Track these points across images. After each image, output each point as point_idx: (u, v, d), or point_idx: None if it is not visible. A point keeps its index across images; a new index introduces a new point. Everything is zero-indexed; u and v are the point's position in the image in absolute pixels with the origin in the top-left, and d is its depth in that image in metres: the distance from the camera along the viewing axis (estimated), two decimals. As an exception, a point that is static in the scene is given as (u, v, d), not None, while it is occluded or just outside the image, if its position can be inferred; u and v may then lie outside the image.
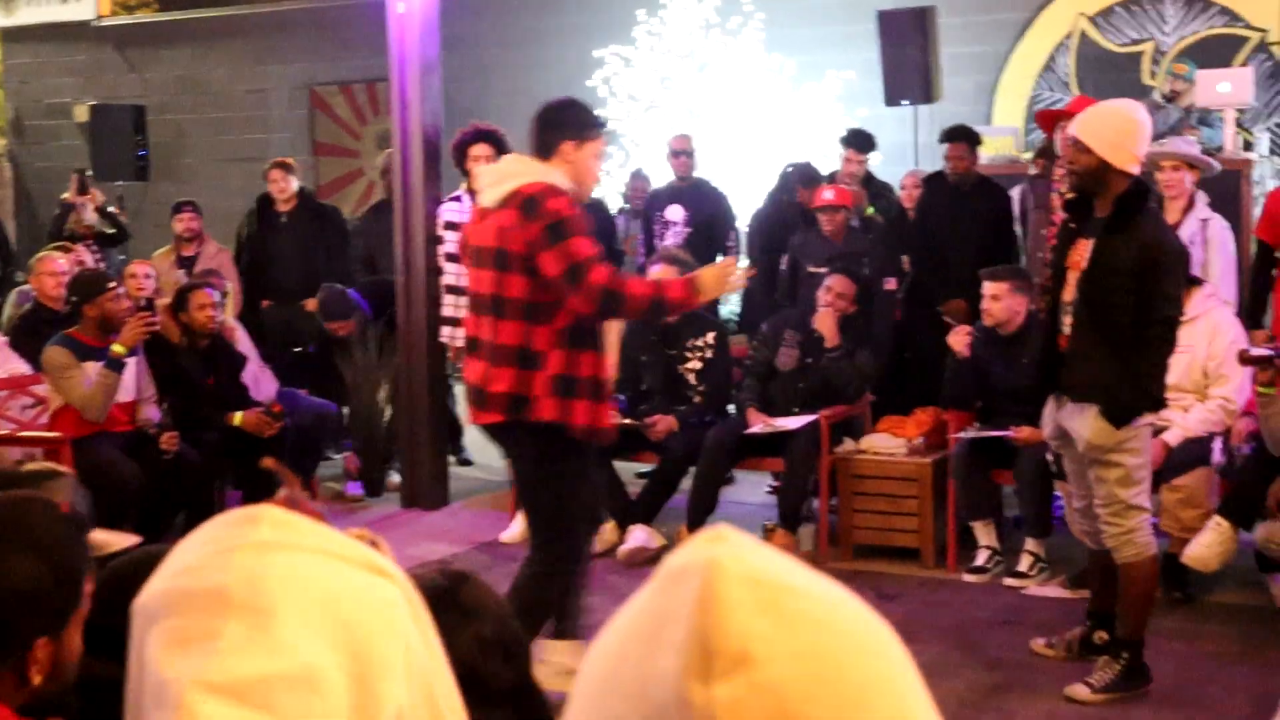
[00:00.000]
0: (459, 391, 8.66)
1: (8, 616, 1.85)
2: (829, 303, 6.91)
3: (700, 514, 6.60)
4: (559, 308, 4.41)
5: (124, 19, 15.12)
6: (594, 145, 4.58)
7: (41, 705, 1.93)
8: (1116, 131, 4.72)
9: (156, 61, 14.50)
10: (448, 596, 2.05)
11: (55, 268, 7.50)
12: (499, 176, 4.57)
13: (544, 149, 4.52)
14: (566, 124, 4.54)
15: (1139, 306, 4.66)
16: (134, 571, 1.76)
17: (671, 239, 8.54)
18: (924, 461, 6.52)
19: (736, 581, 0.80)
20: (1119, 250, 4.68)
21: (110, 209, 9.87)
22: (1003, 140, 9.88)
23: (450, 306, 7.56)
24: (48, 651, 1.89)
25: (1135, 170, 4.73)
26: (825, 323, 6.91)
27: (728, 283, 4.61)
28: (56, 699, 1.94)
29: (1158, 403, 4.82)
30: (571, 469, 4.59)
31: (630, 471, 7.12)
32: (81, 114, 13.57)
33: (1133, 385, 4.70)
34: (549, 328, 4.42)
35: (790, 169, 8.63)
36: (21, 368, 6.98)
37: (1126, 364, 4.69)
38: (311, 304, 8.09)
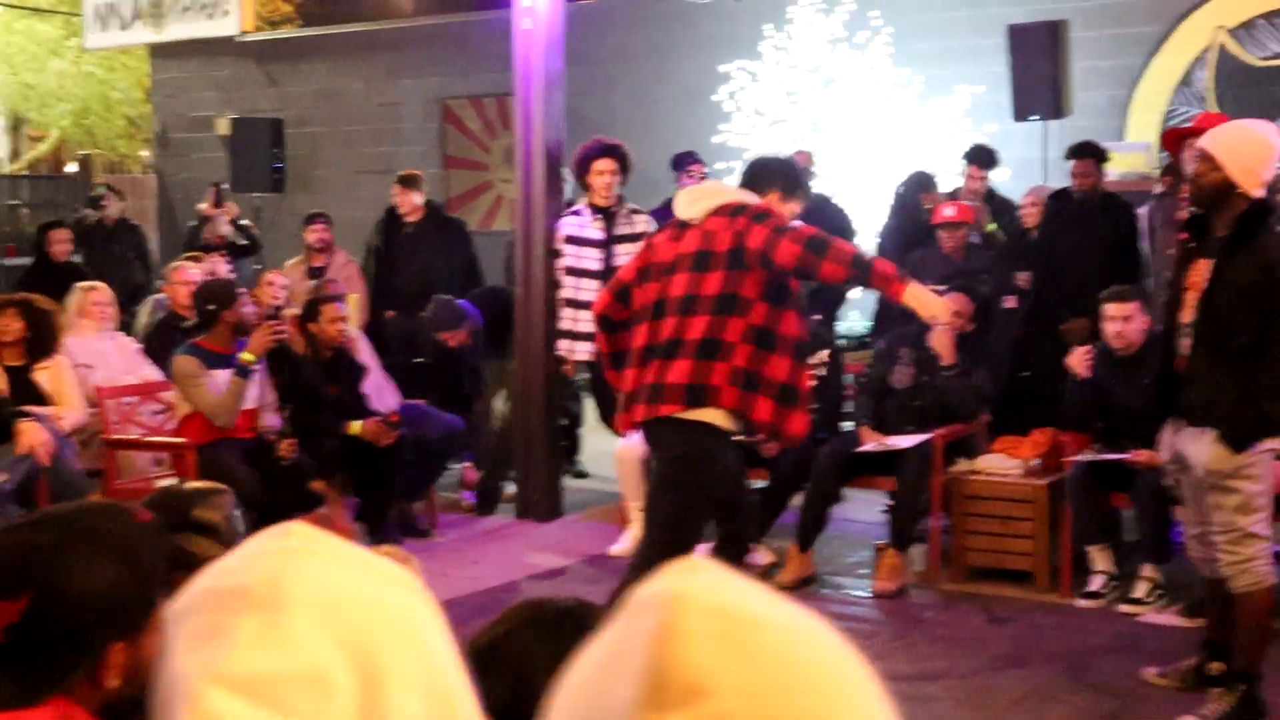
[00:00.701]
0: (581, 405, 8.77)
1: (83, 621, 1.91)
2: (947, 321, 6.83)
3: (810, 532, 6.57)
4: (752, 304, 4.58)
5: (266, 34, 15.54)
6: (794, 205, 4.88)
7: (117, 709, 1.99)
8: (1250, 154, 4.60)
9: (295, 76, 14.86)
10: (572, 618, 2.03)
11: (188, 277, 7.73)
12: (703, 194, 4.88)
13: (759, 187, 4.86)
14: (777, 175, 4.91)
15: (1260, 327, 4.53)
16: None
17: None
18: (1039, 483, 6.41)
19: (697, 613, 0.80)
20: (1240, 269, 4.57)
21: (244, 222, 10.13)
22: (1135, 157, 9.69)
23: (569, 320, 7.63)
24: (123, 656, 1.95)
25: (1260, 194, 4.61)
26: (942, 341, 6.83)
27: (935, 308, 4.68)
28: (132, 703, 2.00)
29: (1278, 426, 4.66)
30: (707, 481, 4.71)
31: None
32: (223, 127, 13.96)
33: (1253, 409, 4.57)
34: (741, 320, 4.58)
35: (902, 188, 8.55)
36: (153, 374, 7.20)
37: (1246, 387, 4.56)
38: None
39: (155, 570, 2.02)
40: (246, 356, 6.50)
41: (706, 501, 4.80)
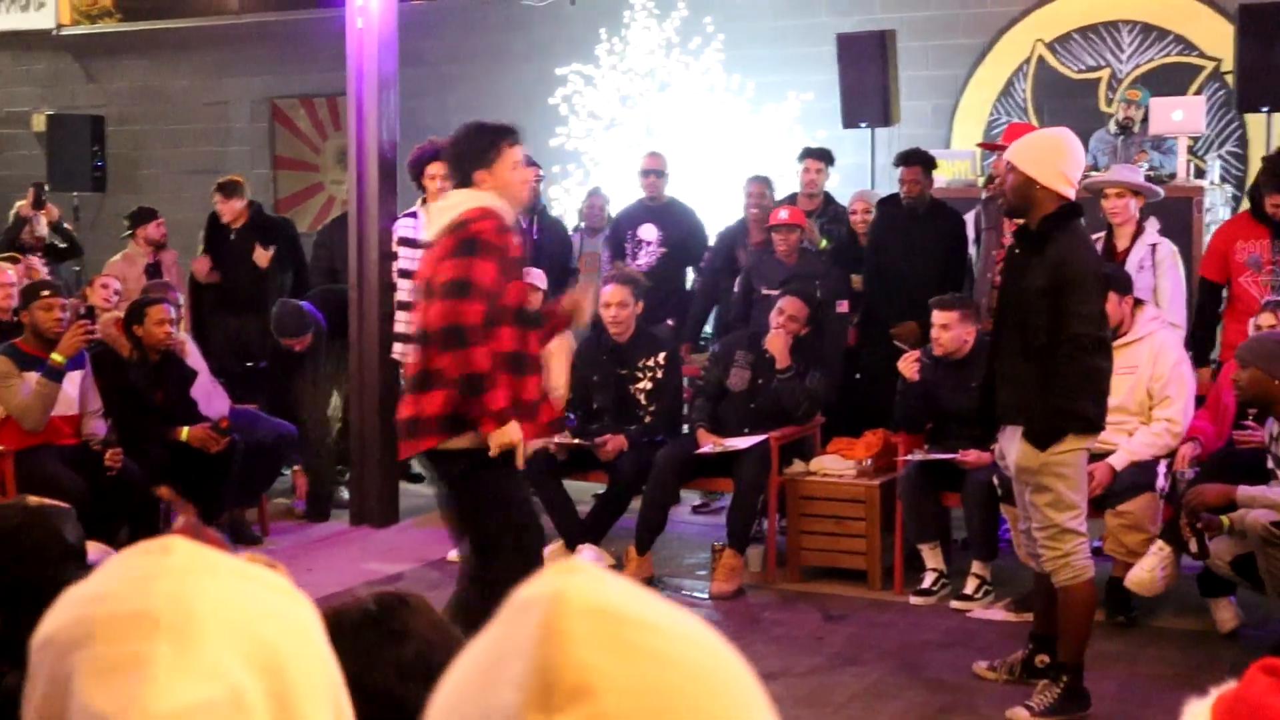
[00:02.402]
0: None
1: None
2: (780, 324, 6.93)
3: (649, 533, 6.60)
4: (499, 326, 4.41)
5: (85, 28, 15.03)
6: (503, 161, 4.50)
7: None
8: (1042, 150, 4.81)
9: (116, 72, 14.43)
10: (373, 620, 2.04)
11: (4, 279, 7.44)
12: (444, 210, 4.56)
13: (464, 184, 4.53)
14: (467, 155, 4.52)
15: (1053, 328, 4.68)
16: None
17: (645, 259, 8.54)
18: (872, 483, 6.54)
19: (579, 614, 0.79)
20: (1033, 269, 4.73)
21: (64, 225, 9.81)
22: (960, 164, 9.93)
23: (403, 323, 7.54)
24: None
25: (1065, 191, 4.76)
26: (777, 344, 6.92)
27: (504, 441, 4.42)
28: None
29: (1087, 424, 4.78)
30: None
31: (581, 491, 7.10)
32: (39, 123, 13.50)
33: (1053, 406, 4.70)
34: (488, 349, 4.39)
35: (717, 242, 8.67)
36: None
37: (1046, 385, 4.71)
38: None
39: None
40: (55, 358, 6.30)
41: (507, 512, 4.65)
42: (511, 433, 4.41)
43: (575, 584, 0.81)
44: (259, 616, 1.06)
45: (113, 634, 1.01)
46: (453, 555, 6.92)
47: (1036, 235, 4.75)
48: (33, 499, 2.82)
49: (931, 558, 6.32)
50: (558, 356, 6.98)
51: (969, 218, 7.82)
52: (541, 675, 0.77)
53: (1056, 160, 4.76)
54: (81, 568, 2.61)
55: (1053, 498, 4.78)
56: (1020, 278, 4.77)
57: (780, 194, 8.82)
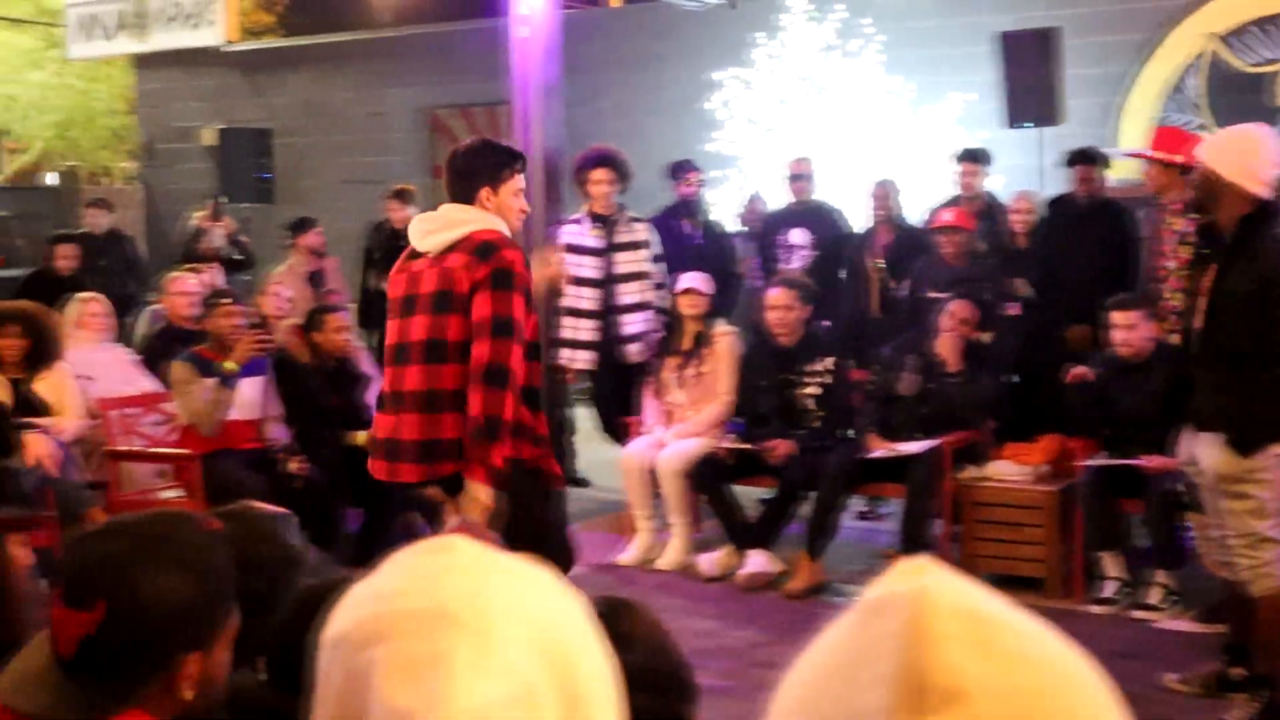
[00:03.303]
0: (577, 415, 8.73)
1: (160, 631, 1.87)
2: (950, 328, 6.83)
3: (820, 539, 6.55)
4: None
5: (250, 44, 15.46)
6: (508, 186, 4.40)
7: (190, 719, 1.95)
8: (1233, 147, 4.65)
9: (281, 86, 14.80)
10: (602, 622, 2.03)
11: (186, 288, 7.68)
12: (442, 224, 4.40)
13: (463, 198, 4.38)
14: (478, 171, 4.39)
15: (1259, 335, 4.53)
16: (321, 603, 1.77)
17: (796, 262, 8.51)
18: (1049, 489, 6.40)
19: (946, 614, 0.78)
20: (1238, 277, 4.57)
21: (240, 237, 10.08)
22: (1128, 164, 9.70)
23: (568, 328, 7.60)
24: (197, 667, 1.91)
25: (1259, 191, 4.60)
26: (947, 347, 6.83)
27: (476, 507, 4.20)
28: (204, 714, 1.96)
29: None
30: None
31: (749, 496, 7.07)
32: (209, 137, 13.89)
33: (1257, 413, 4.57)
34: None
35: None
36: (151, 385, 7.14)
37: (1250, 391, 4.56)
38: None
39: (226, 580, 1.98)
40: (228, 365, 6.47)
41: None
42: (490, 499, 4.21)
43: (937, 584, 0.80)
44: (546, 614, 1.06)
45: (410, 630, 1.02)
46: (622, 559, 6.98)
47: (1236, 237, 4.59)
48: (254, 505, 2.88)
49: (1112, 565, 6.17)
50: (725, 359, 6.99)
51: (1142, 216, 7.62)
52: (911, 677, 0.76)
53: (1248, 157, 4.61)
54: (302, 572, 2.67)
55: (1254, 505, 4.63)
56: (1220, 281, 4.62)
57: (940, 197, 8.71)
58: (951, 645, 0.76)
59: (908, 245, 8.06)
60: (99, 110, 19.66)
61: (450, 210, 4.42)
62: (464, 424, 4.21)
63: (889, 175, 8.62)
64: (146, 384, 7.19)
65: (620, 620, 2.09)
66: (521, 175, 4.47)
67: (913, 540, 6.48)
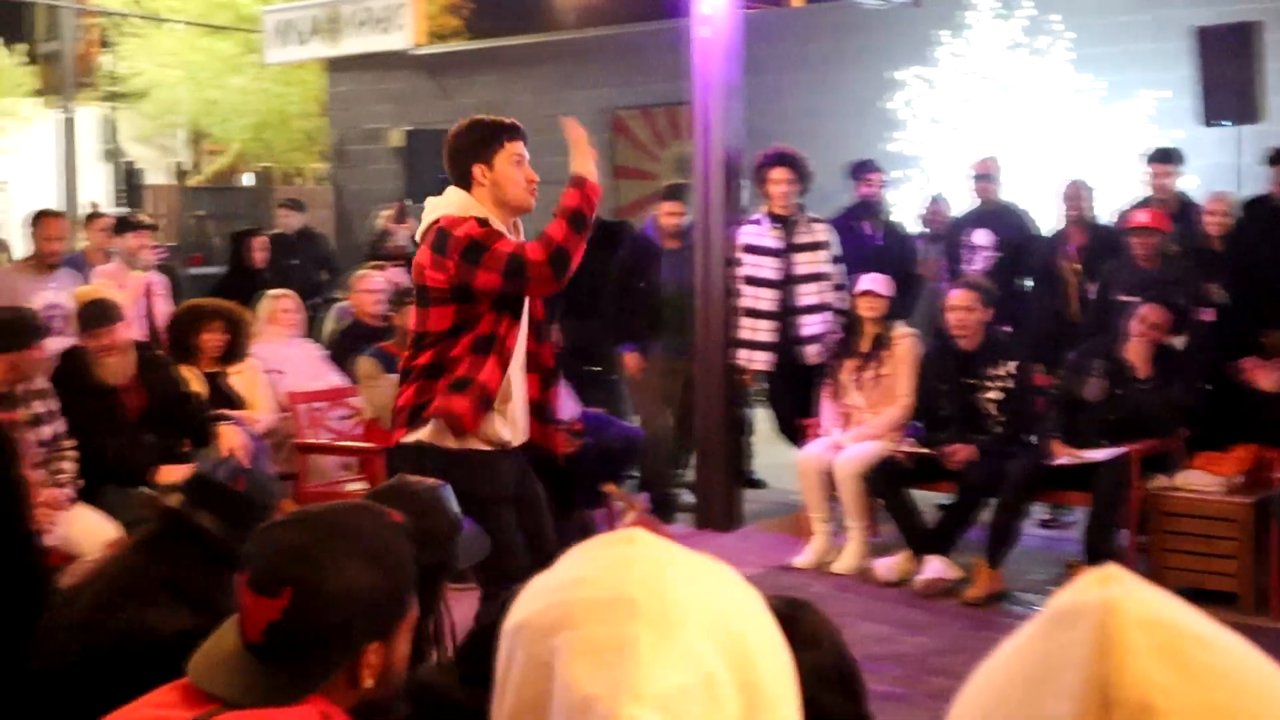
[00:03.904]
0: (756, 416, 8.71)
1: (343, 619, 1.92)
2: (1141, 332, 6.63)
3: (1000, 546, 6.41)
4: (477, 323, 4.21)
5: (437, 48, 15.79)
6: (503, 156, 4.24)
7: (369, 708, 1.99)
8: None
9: (466, 88, 15.06)
10: (786, 623, 2.02)
11: (373, 285, 7.87)
12: (428, 211, 4.35)
13: (461, 181, 4.28)
14: (465, 149, 4.26)
15: None
16: None
17: (979, 264, 8.36)
18: (1244, 501, 6.17)
19: (1135, 626, 0.75)
20: None
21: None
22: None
23: (747, 329, 7.59)
24: (378, 657, 1.96)
25: None
26: (1136, 352, 6.63)
27: (586, 146, 4.19)
28: (384, 704, 2.00)
29: None
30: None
31: (928, 501, 6.97)
32: (396, 139, 14.21)
33: None
34: (469, 336, 4.22)
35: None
36: (338, 380, 7.34)
37: None
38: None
39: (407, 571, 2.02)
40: None
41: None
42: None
43: (1124, 593, 0.77)
44: (727, 607, 1.06)
45: (594, 617, 1.03)
46: (798, 561, 6.93)
47: None
48: (412, 479, 2.98)
49: (1311, 582, 5.92)
50: (905, 362, 6.90)
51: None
52: (1100, 689, 0.73)
53: None
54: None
55: None
56: None
57: (1130, 198, 8.46)
58: (1141, 657, 0.74)
59: (1100, 247, 7.85)
60: (293, 113, 20.29)
61: (430, 200, 4.38)
62: (427, 390, 4.22)
63: (1079, 175, 8.40)
64: (334, 379, 7.39)
65: (804, 619, 2.08)
66: (518, 143, 4.30)
67: (1097, 550, 6.31)
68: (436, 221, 4.22)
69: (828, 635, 1.98)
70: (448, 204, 4.26)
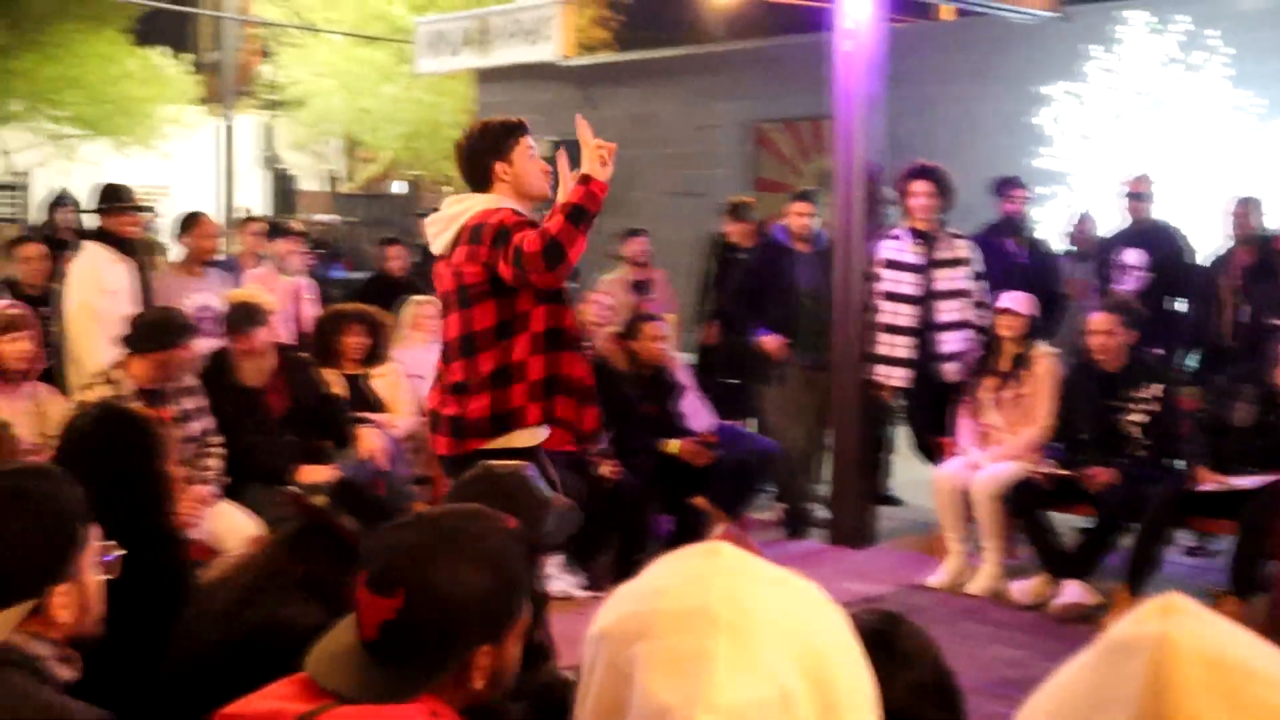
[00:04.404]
0: (894, 432, 8.63)
1: (455, 621, 1.96)
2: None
3: (1141, 573, 6.26)
4: (528, 319, 4.32)
5: (586, 59, 15.95)
6: (519, 151, 4.42)
7: (480, 709, 2.03)
8: None
9: (612, 99, 15.19)
10: (883, 639, 2.03)
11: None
12: (444, 222, 4.44)
13: (481, 182, 4.43)
14: (485, 149, 4.42)
15: None
16: None
17: (1131, 283, 8.18)
18: (1399, 534, 5.94)
19: (1191, 662, 0.74)
20: None
21: None
22: None
23: (885, 345, 7.52)
24: (489, 659, 1.99)
25: None
26: (1288, 378, 6.43)
27: (600, 156, 4.24)
28: (494, 705, 2.04)
29: None
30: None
31: (1068, 524, 6.84)
32: (543, 149, 14.34)
33: None
34: (525, 336, 4.33)
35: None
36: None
37: None
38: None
39: (520, 576, 2.06)
40: None
41: None
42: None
43: (1185, 628, 0.76)
44: (807, 623, 1.07)
45: (674, 628, 1.04)
46: (932, 580, 6.85)
47: None
48: (496, 464, 3.09)
49: None
50: (1045, 382, 6.77)
51: None
52: (1150, 725, 0.73)
53: None
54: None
55: None
56: None
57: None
58: (1194, 694, 0.73)
59: (1260, 268, 7.64)
60: (443, 122, 20.64)
61: (448, 204, 4.50)
62: (488, 403, 4.34)
63: (1231, 193, 8.18)
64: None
65: (901, 634, 2.07)
66: (528, 137, 4.46)
67: (1243, 581, 6.13)
68: (467, 220, 4.35)
69: (926, 650, 1.97)
70: (468, 207, 4.40)
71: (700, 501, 6.87)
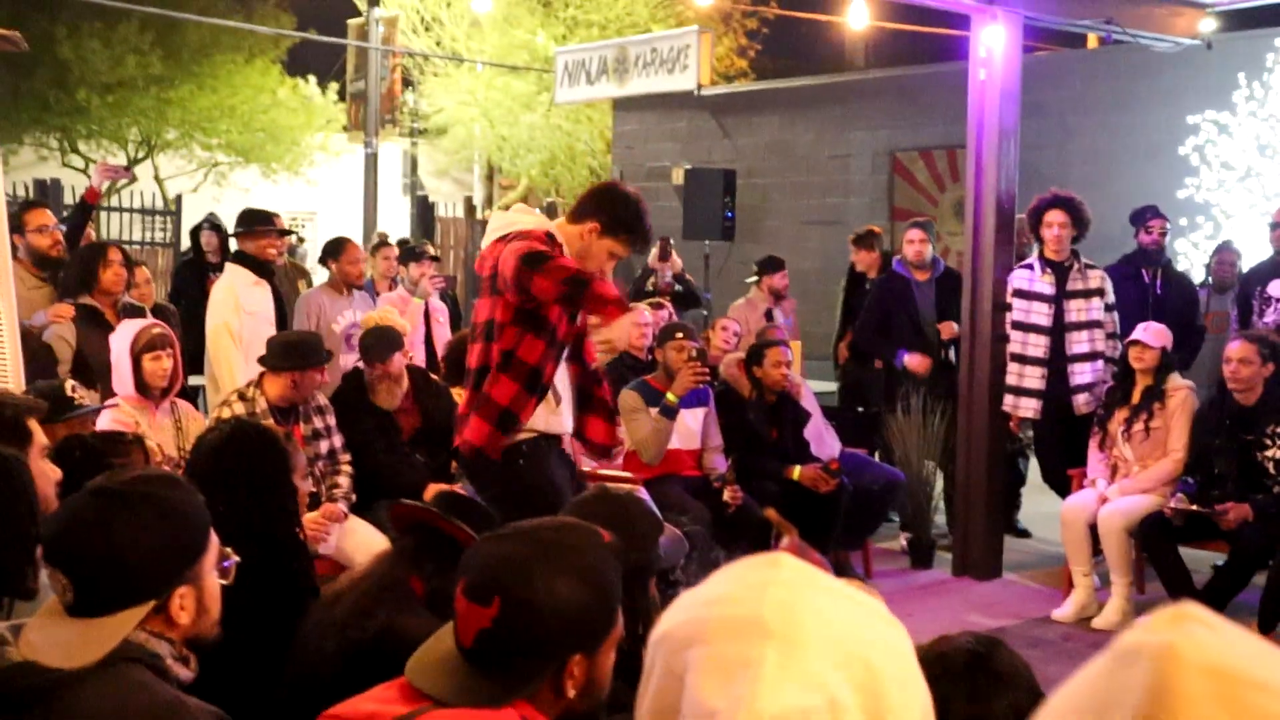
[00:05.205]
0: (1027, 464, 8.52)
1: (549, 631, 2.01)
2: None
3: (1273, 613, 6.10)
4: (506, 326, 4.47)
5: (722, 88, 16.03)
6: (614, 244, 4.55)
7: (574, 718, 2.08)
8: None
9: (748, 128, 15.22)
10: (981, 661, 2.05)
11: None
12: (504, 223, 4.60)
13: (577, 215, 4.57)
14: (606, 211, 4.54)
15: None
16: None
17: (1272, 317, 7.98)
18: None
19: (1193, 672, 0.76)
20: None
21: (687, 276, 10.46)
22: None
23: (1014, 375, 7.44)
24: (582, 669, 2.04)
25: None
26: None
27: (619, 339, 4.31)
28: (587, 714, 2.09)
29: None
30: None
31: (1199, 561, 6.68)
32: (678, 177, 14.47)
33: None
34: (498, 346, 4.50)
35: None
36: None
37: None
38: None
39: (614, 589, 2.11)
40: (669, 397, 6.71)
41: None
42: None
43: (1190, 637, 0.78)
44: (861, 637, 1.09)
45: (726, 635, 1.08)
46: (1056, 614, 6.75)
47: None
48: (611, 488, 3.14)
49: None
50: (1179, 415, 6.62)
51: None
52: (1149, 734, 0.74)
53: None
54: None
55: None
56: None
57: None
58: (1195, 702, 0.74)
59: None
60: (580, 150, 20.88)
61: (515, 213, 4.73)
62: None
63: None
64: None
65: (998, 657, 2.09)
66: (623, 239, 4.57)
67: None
68: (513, 230, 4.56)
69: (1024, 674, 1.98)
70: (528, 220, 4.62)
71: (771, 514, 6.80)
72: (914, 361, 7.96)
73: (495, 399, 4.54)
